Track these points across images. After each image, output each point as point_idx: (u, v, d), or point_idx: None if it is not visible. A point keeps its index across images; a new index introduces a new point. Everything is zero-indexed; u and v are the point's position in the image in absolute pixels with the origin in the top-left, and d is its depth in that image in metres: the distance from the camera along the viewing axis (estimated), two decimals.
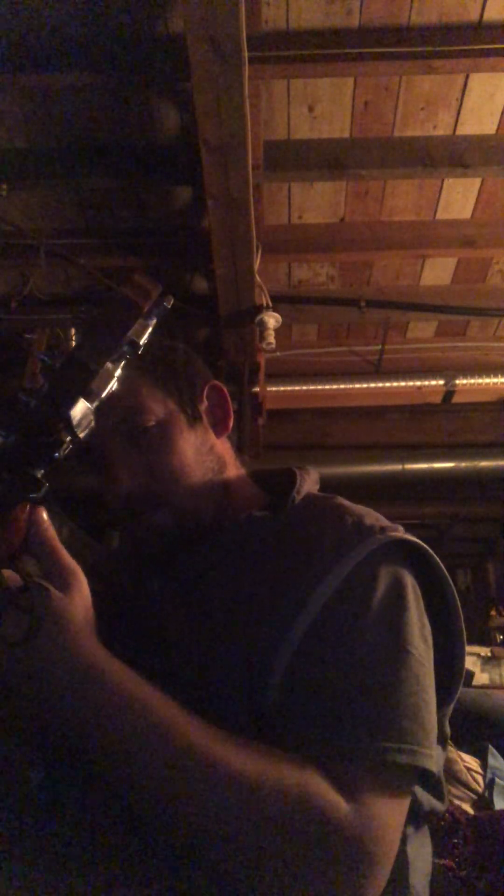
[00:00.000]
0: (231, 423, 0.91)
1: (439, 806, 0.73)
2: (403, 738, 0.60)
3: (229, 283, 2.36)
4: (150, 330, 0.69)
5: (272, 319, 2.50)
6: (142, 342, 0.68)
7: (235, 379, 2.76)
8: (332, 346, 3.12)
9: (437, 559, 0.75)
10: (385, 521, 0.77)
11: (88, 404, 0.63)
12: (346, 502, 0.82)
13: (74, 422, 0.62)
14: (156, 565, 0.83)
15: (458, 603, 0.75)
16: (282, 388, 3.15)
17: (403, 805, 0.63)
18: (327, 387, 3.10)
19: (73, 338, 2.71)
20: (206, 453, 0.85)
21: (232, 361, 2.76)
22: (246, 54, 1.53)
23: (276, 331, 2.53)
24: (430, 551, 0.75)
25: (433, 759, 0.62)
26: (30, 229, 2.36)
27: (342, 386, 3.10)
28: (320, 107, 2.03)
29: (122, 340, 0.66)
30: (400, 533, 0.74)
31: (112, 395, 0.72)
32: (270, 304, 2.50)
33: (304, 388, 3.11)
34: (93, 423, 0.64)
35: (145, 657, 0.74)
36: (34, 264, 2.52)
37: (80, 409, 0.63)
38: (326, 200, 2.38)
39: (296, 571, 0.71)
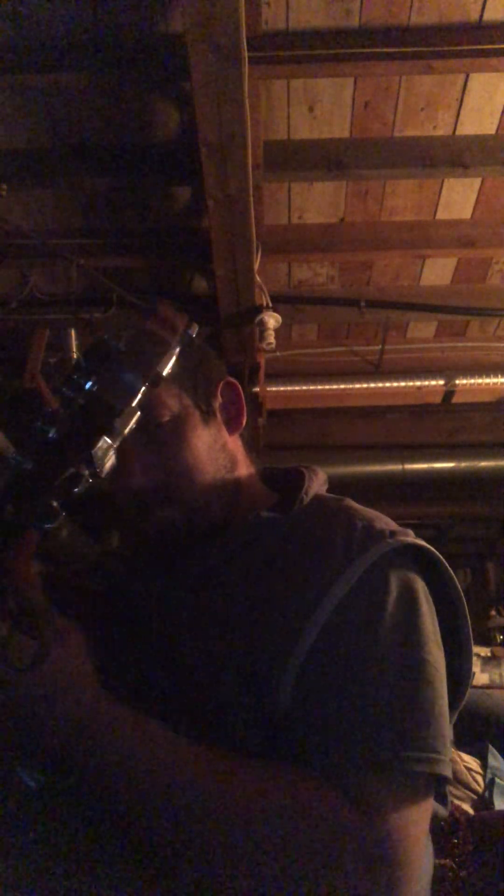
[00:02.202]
0: (244, 421, 0.91)
1: (442, 810, 0.72)
2: (425, 747, 0.60)
3: (229, 283, 2.36)
4: (173, 360, 0.70)
5: (272, 319, 2.50)
6: (165, 373, 0.69)
7: (235, 379, 2.76)
8: (332, 346, 3.12)
9: (447, 564, 0.74)
10: (394, 525, 0.76)
11: (110, 441, 0.64)
12: (356, 505, 0.81)
13: (97, 460, 0.62)
14: (162, 564, 0.83)
15: (466, 609, 0.75)
16: (282, 388, 3.15)
17: (427, 815, 0.62)
18: (327, 387, 3.11)
19: (73, 338, 2.71)
20: (218, 450, 0.85)
21: (232, 361, 2.76)
22: (246, 54, 1.53)
23: (276, 331, 2.53)
24: (440, 556, 0.74)
25: (448, 764, 0.62)
26: (30, 229, 2.36)
27: (342, 386, 3.10)
28: (320, 107, 2.03)
29: (147, 379, 0.67)
30: (410, 537, 0.74)
31: None
32: (270, 304, 2.50)
33: (304, 388, 3.12)
34: (114, 461, 0.65)
35: (151, 659, 0.74)
36: (34, 264, 2.52)
37: (103, 447, 0.63)
38: (326, 200, 2.37)
39: (305, 575, 0.70)
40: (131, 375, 0.66)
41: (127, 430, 0.66)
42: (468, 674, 0.76)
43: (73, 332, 2.71)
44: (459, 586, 0.75)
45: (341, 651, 0.65)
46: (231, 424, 0.89)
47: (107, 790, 0.58)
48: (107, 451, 0.64)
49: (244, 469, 0.89)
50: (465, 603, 0.75)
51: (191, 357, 0.87)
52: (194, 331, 0.71)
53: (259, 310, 2.48)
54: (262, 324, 2.49)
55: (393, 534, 0.73)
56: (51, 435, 0.64)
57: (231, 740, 0.65)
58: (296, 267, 2.70)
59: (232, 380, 0.92)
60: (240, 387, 0.92)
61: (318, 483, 0.88)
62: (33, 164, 2.15)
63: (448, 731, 0.64)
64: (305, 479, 0.85)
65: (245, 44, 1.50)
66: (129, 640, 0.79)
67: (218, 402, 0.88)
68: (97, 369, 0.66)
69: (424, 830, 0.62)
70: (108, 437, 0.64)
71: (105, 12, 1.74)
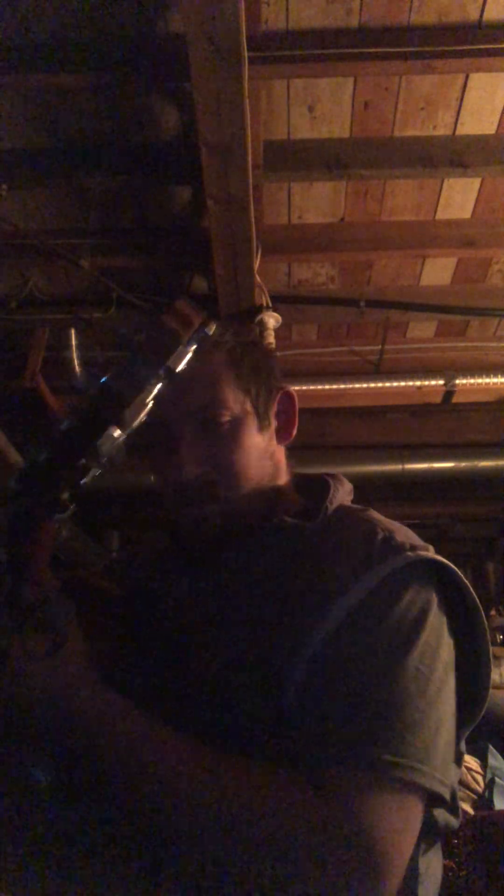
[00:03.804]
0: (294, 433, 0.92)
1: (454, 821, 0.72)
2: (402, 751, 0.60)
3: (229, 283, 2.36)
4: (188, 356, 0.70)
5: (272, 319, 2.50)
6: (178, 369, 0.69)
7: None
8: (332, 346, 3.11)
9: (466, 581, 0.74)
10: (416, 540, 0.76)
11: (120, 432, 0.65)
12: (379, 516, 0.81)
13: (101, 451, 0.63)
14: (186, 564, 0.84)
15: (486, 627, 0.74)
16: None
17: (408, 821, 0.61)
18: (327, 387, 3.10)
19: (73, 338, 2.71)
20: (267, 458, 0.86)
21: None
22: (246, 54, 1.53)
23: (276, 331, 2.52)
24: (459, 573, 0.74)
25: (437, 780, 0.61)
26: (30, 229, 2.36)
27: (342, 386, 3.09)
28: (320, 107, 2.03)
29: (160, 371, 0.67)
30: (430, 553, 0.73)
31: (193, 377, 0.74)
32: (270, 304, 2.50)
33: (304, 387, 3.11)
34: (122, 453, 0.65)
35: (169, 657, 0.76)
36: (34, 264, 2.52)
37: (109, 438, 0.64)
38: (326, 200, 2.37)
39: (322, 580, 0.71)
40: (143, 367, 0.67)
41: (137, 423, 0.66)
42: (485, 691, 0.75)
43: (73, 332, 2.71)
44: (479, 604, 0.74)
45: (343, 655, 0.65)
46: (281, 434, 0.91)
47: (103, 783, 0.59)
48: (113, 442, 0.64)
49: (284, 478, 0.90)
50: (486, 623, 0.74)
51: (259, 362, 0.88)
52: (211, 329, 0.72)
53: (259, 310, 2.48)
54: (262, 324, 2.49)
55: (413, 547, 0.73)
56: (63, 426, 0.64)
57: (240, 740, 0.66)
58: (296, 267, 2.70)
59: (290, 391, 0.92)
60: (296, 399, 0.93)
61: (343, 492, 0.88)
62: (33, 164, 2.15)
63: (440, 746, 0.63)
64: (331, 488, 0.86)
65: (245, 44, 1.50)
66: (145, 639, 0.80)
67: (274, 411, 0.90)
68: (97, 381, 0.67)
69: (405, 837, 0.60)
70: (118, 427, 0.64)
71: (105, 12, 1.74)
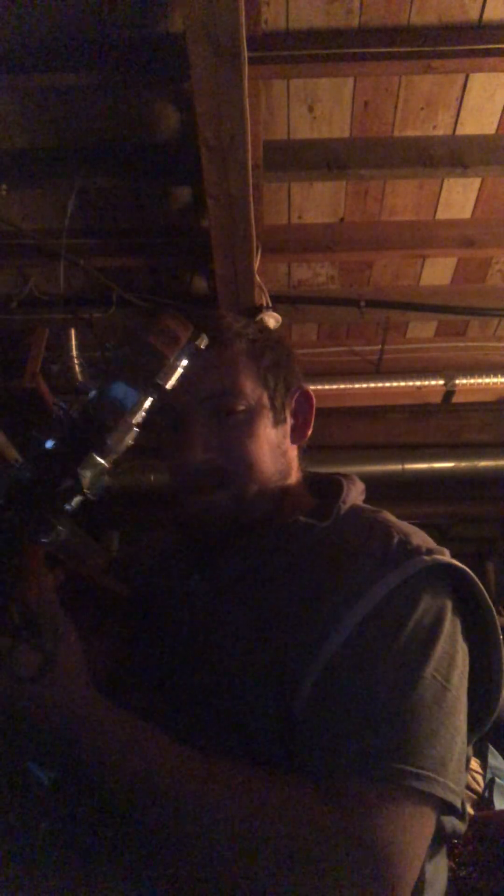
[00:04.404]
0: (309, 433, 0.91)
1: (461, 827, 0.71)
2: (420, 762, 0.59)
3: (229, 283, 2.36)
4: (179, 372, 0.68)
5: (272, 319, 2.50)
6: (168, 386, 0.67)
7: None
8: (332, 346, 3.11)
9: (481, 586, 0.73)
10: (431, 543, 0.75)
11: (102, 461, 0.63)
12: (393, 518, 0.80)
13: (83, 479, 0.62)
14: (194, 562, 0.83)
15: (500, 634, 0.73)
16: None
17: (422, 830, 0.60)
18: (327, 387, 3.10)
19: (73, 338, 2.71)
20: (279, 454, 0.85)
21: None
22: (246, 54, 1.53)
23: (276, 331, 2.52)
24: (475, 578, 0.73)
25: (451, 790, 0.61)
26: (30, 229, 2.35)
27: (342, 386, 3.09)
28: (320, 107, 2.03)
29: (144, 393, 0.65)
30: (446, 557, 0.72)
31: (211, 364, 0.73)
32: (270, 304, 2.50)
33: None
34: (106, 480, 0.64)
35: (176, 658, 0.74)
36: (34, 264, 2.52)
37: (91, 466, 0.62)
38: (326, 200, 2.37)
39: (337, 583, 0.70)
40: (125, 390, 0.64)
41: (122, 448, 0.64)
42: (497, 697, 0.74)
43: (73, 332, 2.71)
44: (493, 609, 0.73)
45: (357, 662, 0.64)
46: (296, 433, 0.89)
47: (100, 791, 0.59)
48: (98, 471, 0.62)
49: (294, 477, 0.89)
50: (500, 628, 0.73)
51: (280, 357, 0.87)
52: (202, 342, 0.70)
53: (259, 310, 2.48)
54: (262, 324, 2.49)
55: (430, 552, 0.72)
56: (47, 445, 0.63)
57: (250, 743, 0.65)
58: (296, 267, 2.70)
59: (308, 391, 0.92)
60: (314, 399, 0.92)
61: (355, 493, 0.87)
62: (33, 164, 2.15)
63: (454, 755, 0.63)
64: (344, 488, 0.85)
65: (245, 44, 1.50)
66: (153, 639, 0.79)
67: (290, 409, 0.89)
68: (97, 382, 0.65)
69: (417, 847, 0.60)
70: (100, 455, 0.62)
71: (105, 12, 1.74)
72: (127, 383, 0.65)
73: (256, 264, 2.29)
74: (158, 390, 0.66)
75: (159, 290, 2.67)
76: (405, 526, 0.78)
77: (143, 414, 0.66)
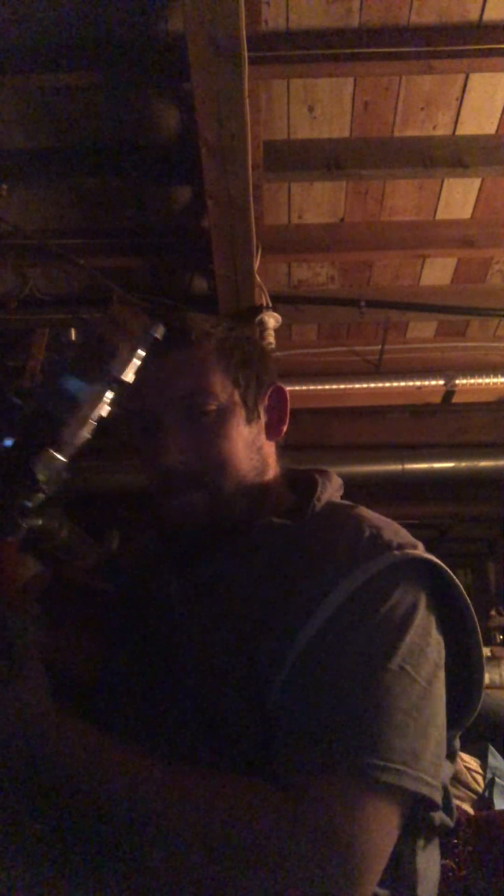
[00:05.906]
0: (284, 429, 0.90)
1: (449, 820, 0.71)
2: (387, 755, 0.58)
3: (229, 283, 2.36)
4: (137, 364, 0.66)
5: (272, 319, 2.50)
6: (129, 379, 0.65)
7: None
8: (332, 346, 3.12)
9: (456, 580, 0.72)
10: (405, 537, 0.74)
11: (59, 456, 0.61)
12: (367, 513, 0.79)
13: (40, 476, 0.60)
14: (174, 564, 0.83)
15: (478, 627, 0.73)
16: None
17: (389, 824, 0.59)
18: (327, 387, 3.10)
19: (73, 338, 2.71)
20: (254, 452, 0.84)
21: None
22: (246, 54, 1.53)
23: (276, 331, 2.52)
24: (449, 572, 0.72)
25: (425, 782, 0.60)
26: (30, 229, 2.35)
27: (342, 386, 3.09)
28: (320, 107, 2.03)
29: (99, 386, 0.63)
30: (419, 551, 0.72)
31: (180, 365, 0.73)
32: (270, 304, 2.50)
33: (304, 388, 3.11)
34: (65, 475, 0.62)
35: (155, 657, 0.75)
36: (34, 264, 2.52)
37: (46, 462, 0.61)
38: (326, 200, 2.37)
39: (307, 580, 0.69)
40: (76, 383, 0.63)
41: (79, 442, 0.63)
42: (478, 691, 0.74)
43: (73, 332, 2.71)
44: (470, 604, 0.72)
45: (323, 657, 0.64)
46: (271, 430, 0.89)
47: (60, 805, 0.58)
48: (55, 467, 0.61)
49: (272, 474, 0.88)
50: (477, 622, 0.73)
51: (250, 354, 0.86)
52: (158, 332, 0.68)
53: (259, 310, 2.48)
54: (262, 324, 2.49)
55: (400, 546, 0.71)
56: (7, 444, 0.62)
57: (231, 746, 0.65)
58: (296, 267, 2.70)
59: (281, 386, 0.91)
60: (287, 395, 0.91)
61: (331, 489, 0.87)
62: (33, 164, 2.15)
63: (429, 746, 0.62)
64: (318, 486, 0.85)
65: (245, 44, 1.50)
66: (132, 638, 0.79)
67: (264, 405, 0.88)
68: (47, 377, 0.64)
69: (383, 837, 0.59)
70: (56, 450, 0.61)
71: (105, 12, 1.74)
72: (77, 376, 0.63)
73: (256, 264, 2.29)
74: (116, 382, 0.65)
75: (159, 290, 2.67)
76: (378, 519, 0.77)
77: (107, 408, 0.64)
